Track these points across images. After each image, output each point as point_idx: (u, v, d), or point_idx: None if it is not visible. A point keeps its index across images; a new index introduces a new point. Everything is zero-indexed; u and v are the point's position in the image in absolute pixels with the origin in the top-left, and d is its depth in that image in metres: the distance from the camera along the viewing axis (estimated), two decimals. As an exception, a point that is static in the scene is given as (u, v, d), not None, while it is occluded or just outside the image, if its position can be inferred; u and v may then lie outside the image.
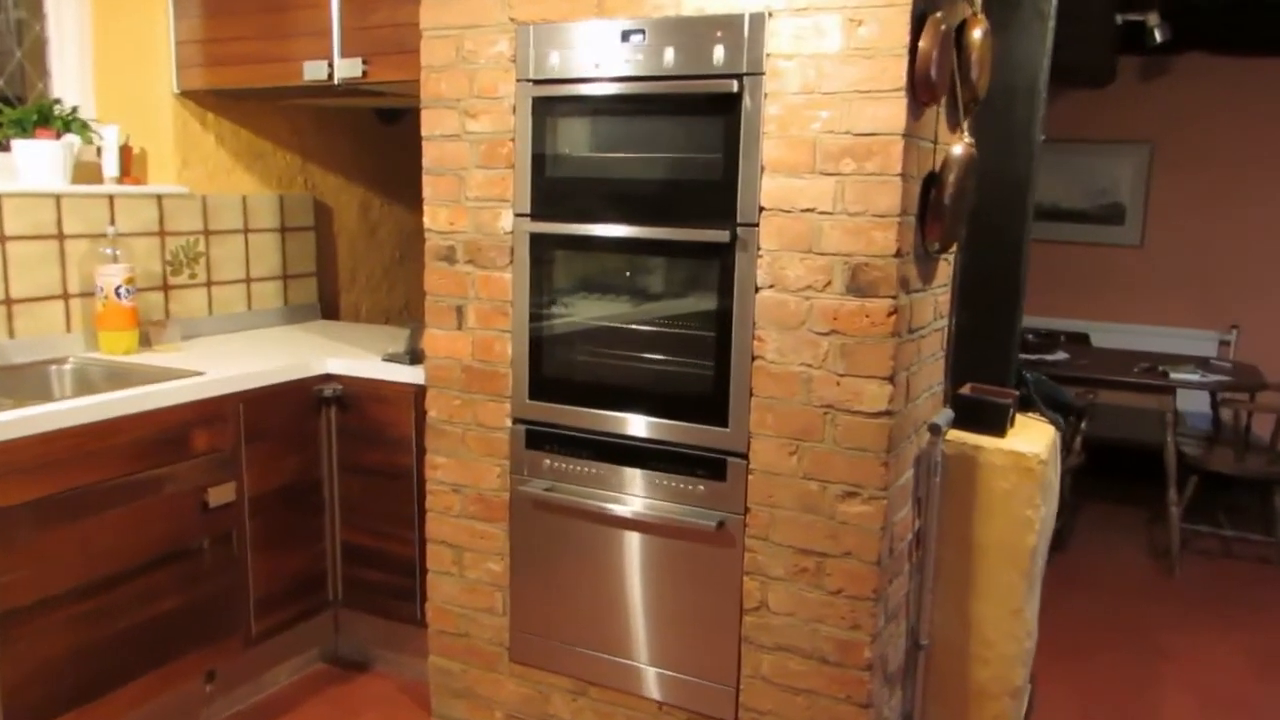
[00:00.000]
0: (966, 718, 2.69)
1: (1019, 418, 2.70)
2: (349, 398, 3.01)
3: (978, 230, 2.60)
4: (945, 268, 2.59)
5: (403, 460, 2.95)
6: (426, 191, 2.73)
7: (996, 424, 2.58)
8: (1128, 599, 4.01)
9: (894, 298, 2.20)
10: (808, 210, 2.25)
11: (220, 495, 2.72)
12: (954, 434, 2.58)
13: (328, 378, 3.03)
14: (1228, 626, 3.79)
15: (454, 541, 2.83)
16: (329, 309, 3.93)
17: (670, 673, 2.57)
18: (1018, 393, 2.63)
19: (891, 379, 2.23)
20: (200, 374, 2.73)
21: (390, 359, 2.99)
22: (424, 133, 2.70)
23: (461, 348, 2.73)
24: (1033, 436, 2.61)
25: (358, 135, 4.01)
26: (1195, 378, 4.22)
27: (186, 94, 3.38)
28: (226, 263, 3.49)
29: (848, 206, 2.21)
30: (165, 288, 3.31)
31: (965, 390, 2.65)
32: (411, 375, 2.93)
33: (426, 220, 2.74)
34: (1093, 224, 5.70)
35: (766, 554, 2.40)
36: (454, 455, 2.79)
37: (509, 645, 2.80)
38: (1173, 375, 4.23)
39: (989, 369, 2.68)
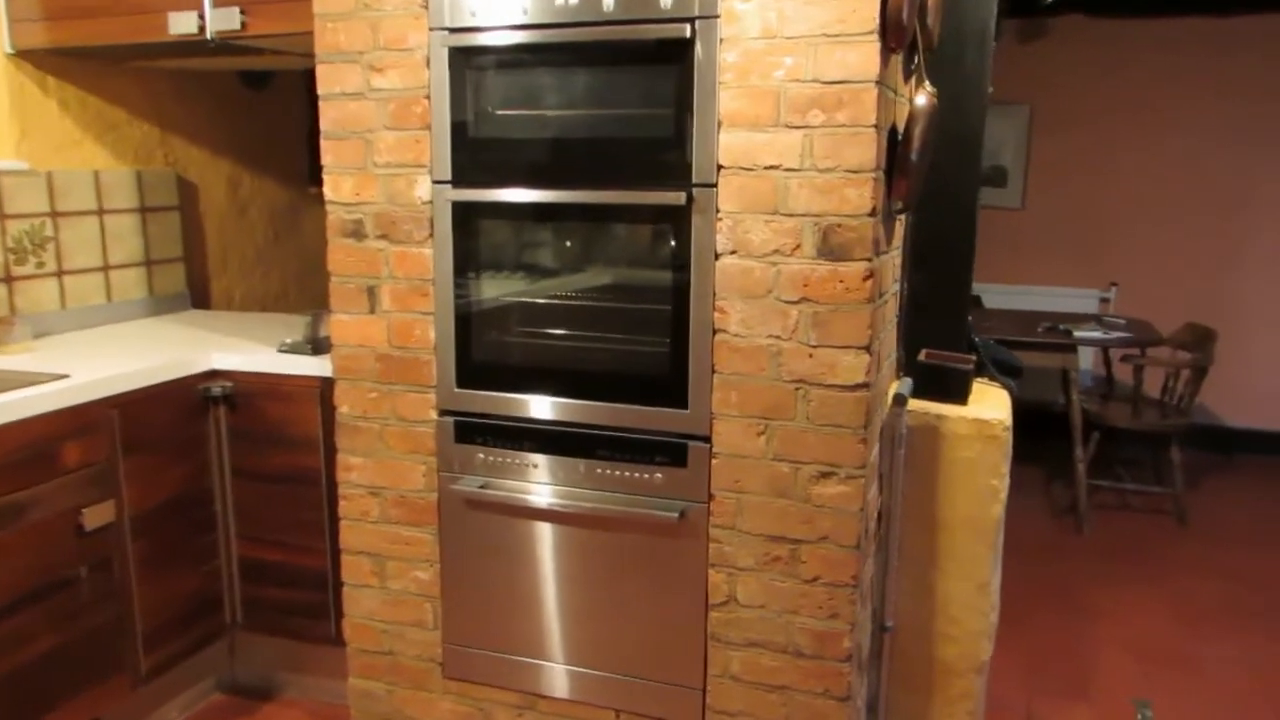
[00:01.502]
0: (932, 699, 2.58)
1: (974, 384, 2.59)
2: (240, 396, 2.66)
3: (928, 189, 2.46)
4: (898, 228, 2.45)
5: (308, 463, 2.63)
6: (326, 158, 2.41)
7: (958, 391, 2.46)
8: (1044, 559, 4.03)
9: (869, 260, 2.04)
10: (772, 167, 2.06)
11: (97, 516, 2.34)
12: (914, 404, 2.45)
13: (213, 374, 2.67)
14: (1144, 581, 3.85)
15: (374, 550, 2.53)
16: (199, 297, 3.51)
17: (628, 678, 2.36)
18: (973, 358, 2.53)
19: (869, 348, 2.07)
20: (64, 377, 2.34)
21: (288, 350, 2.65)
22: (321, 91, 2.37)
23: (375, 334, 2.43)
24: (993, 403, 2.51)
25: (222, 102, 3.59)
26: (1099, 335, 4.28)
27: (22, 54, 2.91)
28: (80, 249, 3.04)
29: (817, 162, 2.03)
30: (9, 279, 2.85)
31: (922, 357, 2.53)
32: (315, 367, 2.60)
33: (328, 191, 2.42)
34: (975, 188, 5.74)
35: (734, 544, 2.21)
36: (371, 455, 2.48)
37: (442, 661, 2.52)
38: (1077, 334, 4.27)
39: (941, 334, 2.56)
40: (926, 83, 2.24)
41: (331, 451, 2.57)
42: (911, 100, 2.20)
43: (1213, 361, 4.33)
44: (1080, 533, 4.28)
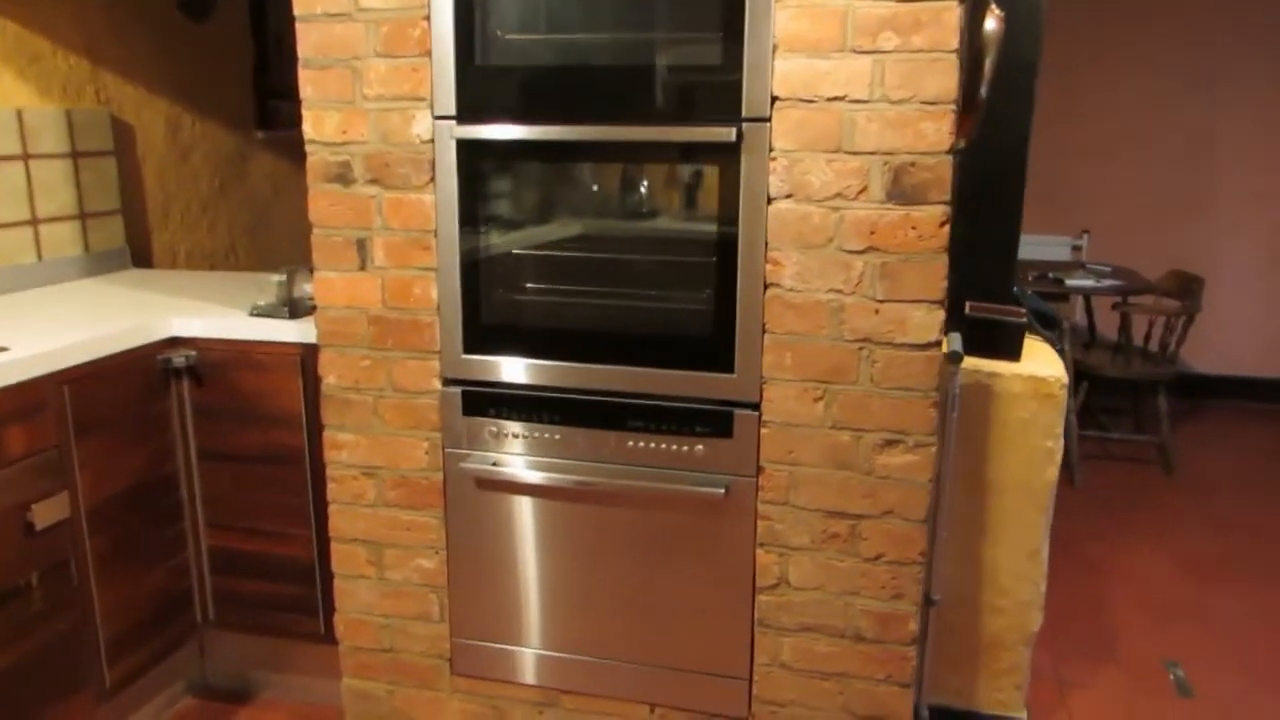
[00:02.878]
0: (978, 673, 2.43)
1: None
2: (206, 367, 2.33)
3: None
4: (947, 170, 2.23)
5: (289, 441, 2.33)
6: (306, 90, 2.08)
7: (1010, 347, 2.27)
8: (1039, 513, 3.92)
9: (946, 203, 1.82)
10: (836, 99, 1.81)
11: (49, 512, 2.02)
12: (965, 361, 2.25)
13: (174, 342, 2.33)
14: (1143, 533, 3.77)
15: (370, 537, 2.25)
16: (140, 254, 3.14)
17: (665, 669, 2.14)
18: (1023, 310, 2.34)
19: (943, 302, 1.85)
20: (1, 350, 2.00)
21: (262, 313, 2.33)
22: (299, 10, 2.04)
23: (368, 293, 2.13)
24: (1045, 359, 2.33)
25: (159, 33, 3.18)
26: (1091, 283, 4.15)
27: (-77, -29, 2.50)
28: (3, 201, 2.65)
29: (889, 92, 1.79)
30: (-81, 236, 2.47)
31: (967, 310, 2.32)
32: (294, 332, 2.29)
33: (308, 129, 2.10)
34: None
35: (786, 521, 2.00)
36: (364, 431, 2.20)
37: (450, 656, 2.27)
38: (1069, 282, 4.14)
39: (987, 285, 2.36)
40: (994, 4, 2.01)
41: (316, 428, 2.27)
42: (984, 23, 1.97)
43: (1200, 309, 4.25)
44: (1073, 485, 4.19)
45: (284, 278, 2.35)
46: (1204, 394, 5.40)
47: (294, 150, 4.03)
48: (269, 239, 3.77)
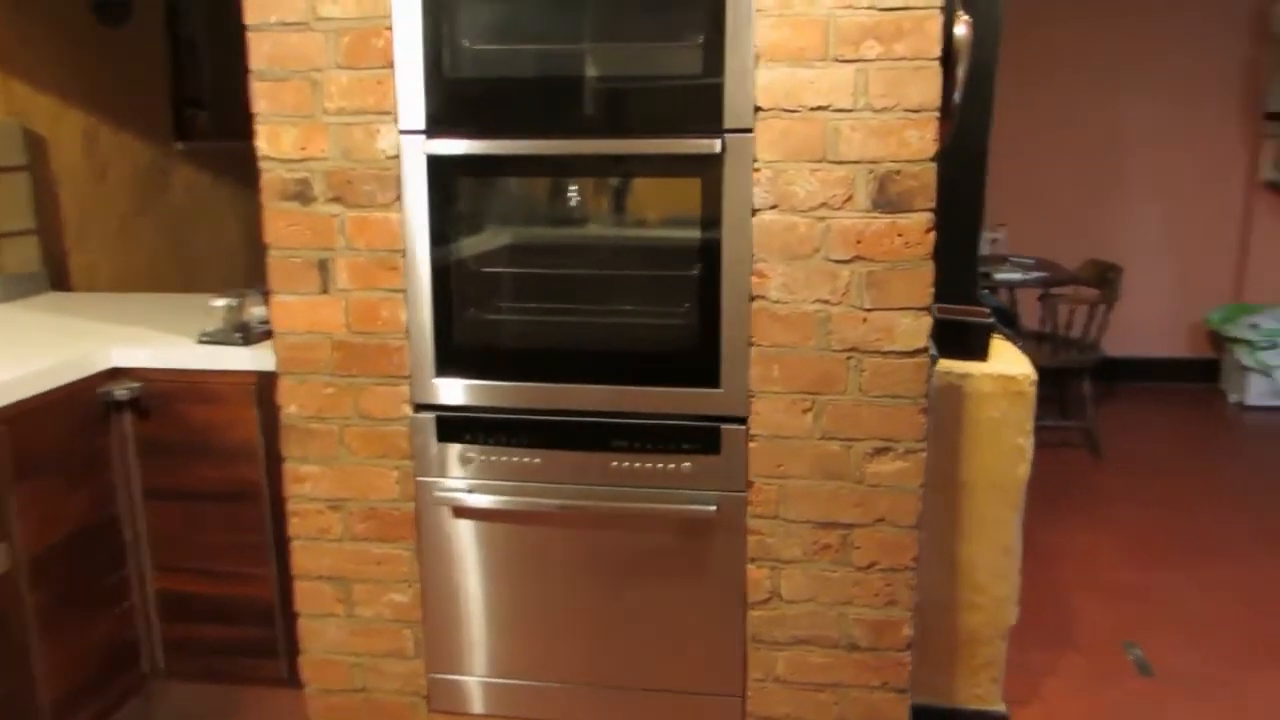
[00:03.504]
0: (955, 670, 2.45)
1: (984, 338, 2.43)
2: (151, 399, 2.19)
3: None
4: (912, 174, 2.24)
5: (245, 475, 2.20)
6: (260, 104, 1.97)
7: (979, 347, 2.29)
8: (979, 502, 4.00)
9: (931, 210, 1.81)
10: (819, 108, 1.79)
11: (-10, 566, 1.87)
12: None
13: (115, 374, 2.18)
14: (1084, 516, 3.88)
15: (337, 573, 2.15)
16: (57, 277, 2.94)
17: (656, 692, 2.10)
18: (988, 311, 2.36)
19: (929, 308, 1.85)
20: (-72, 393, 1.84)
21: (212, 340, 2.20)
22: (250, 20, 1.93)
23: (330, 317, 2.03)
24: (1011, 357, 2.36)
25: (73, 41, 2.99)
26: (1019, 276, 4.26)
27: None
28: (-95, 226, 2.45)
29: (872, 101, 1.77)
30: None
31: (936, 313, 2.33)
32: (248, 360, 2.16)
33: (263, 145, 1.98)
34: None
35: (777, 534, 1.97)
36: (329, 462, 2.09)
37: (427, 694, 2.18)
38: (997, 275, 4.23)
39: (952, 287, 2.37)
40: (962, 10, 2.01)
41: (276, 460, 2.15)
42: (954, 29, 1.97)
43: (1119, 296, 4.40)
44: (1007, 473, 4.28)
45: (232, 302, 2.22)
46: (1118, 377, 5.59)
47: (215, 163, 3.86)
48: (192, 258, 3.58)
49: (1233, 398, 5.23)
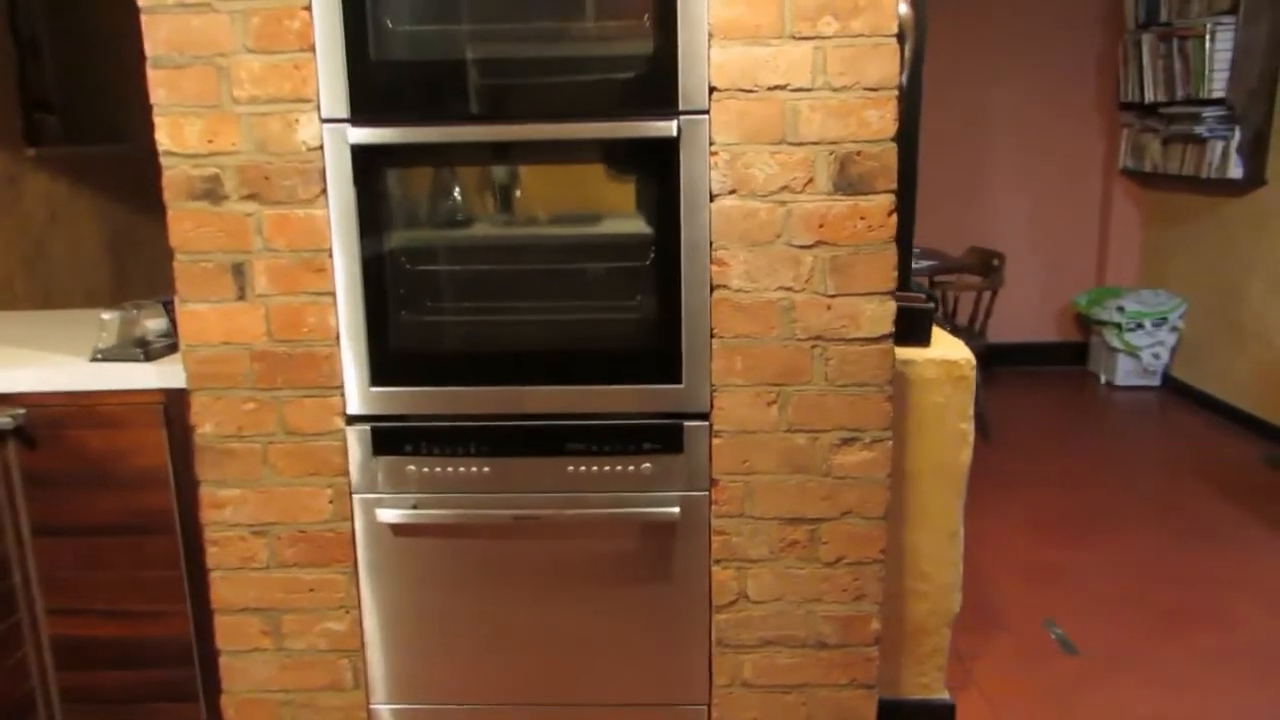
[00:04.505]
0: (901, 660, 2.43)
1: (917, 323, 2.43)
2: (39, 427, 1.95)
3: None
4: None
5: (153, 504, 1.98)
6: (158, 93, 1.77)
7: (922, 334, 2.28)
8: (887, 490, 4.04)
9: (893, 192, 1.78)
10: (777, 88, 1.73)
11: None
12: (879, 351, 2.24)
13: (-7, 401, 1.94)
14: (980, 498, 3.94)
15: (264, 604, 1.96)
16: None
17: (618, 706, 2.00)
18: (925, 297, 2.36)
19: (893, 293, 1.82)
20: None
21: (107, 357, 1.97)
22: (143, 2, 1.73)
23: (249, 326, 1.84)
24: (949, 343, 2.35)
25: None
26: (915, 265, 4.33)
27: None
28: None
29: (831, 79, 1.72)
30: None
31: (874, 300, 2.31)
32: (152, 377, 1.94)
33: (164, 139, 1.78)
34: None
35: (743, 533, 1.90)
36: (251, 484, 1.91)
37: (369, 726, 2.02)
38: (892, 265, 4.29)
39: (887, 273, 2.36)
40: (903, -10, 1.99)
41: (188, 486, 1.95)
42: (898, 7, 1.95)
43: (1004, 283, 4.54)
44: (909, 460, 4.35)
45: (127, 314, 2.00)
46: (994, 361, 5.79)
47: (71, 169, 3.54)
48: (49, 271, 3.26)
49: (1103, 378, 5.48)
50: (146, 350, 1.97)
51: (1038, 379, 5.67)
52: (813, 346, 1.82)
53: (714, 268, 1.79)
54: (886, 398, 1.85)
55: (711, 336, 1.82)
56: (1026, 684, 2.69)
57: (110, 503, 1.98)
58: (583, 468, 1.88)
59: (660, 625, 1.95)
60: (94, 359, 1.97)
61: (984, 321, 4.52)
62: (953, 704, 2.49)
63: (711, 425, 1.86)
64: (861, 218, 1.77)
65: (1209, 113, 4.58)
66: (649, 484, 1.88)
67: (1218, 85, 4.48)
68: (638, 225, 1.81)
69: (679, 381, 1.84)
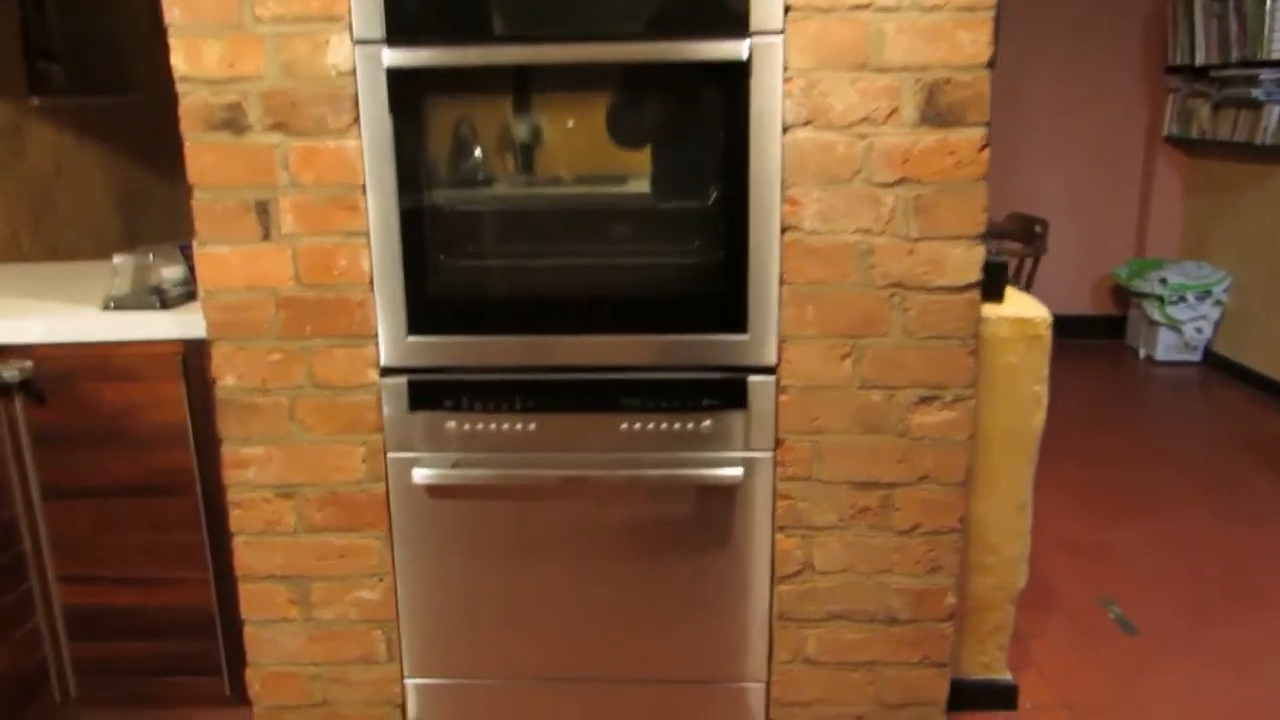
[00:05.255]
0: (963, 638, 2.28)
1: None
2: (48, 380, 1.80)
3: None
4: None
5: (171, 463, 1.84)
6: (172, 13, 1.61)
7: (996, 289, 2.11)
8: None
9: (986, 125, 1.62)
10: (859, 7, 1.56)
11: None
12: (948, 307, 2.08)
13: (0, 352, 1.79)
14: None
15: (291, 571, 1.82)
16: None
17: (670, 683, 1.86)
18: (997, 250, 2.19)
19: (982, 237, 1.66)
20: None
21: (120, 305, 1.82)
22: (164, -96, 1.57)
23: (275, 269, 1.69)
24: (1023, 301, 2.19)
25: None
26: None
27: None
28: None
29: (920, -2, 1.56)
30: None
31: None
32: (170, 326, 1.80)
33: (180, 64, 1.63)
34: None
35: (810, 498, 1.75)
36: (277, 441, 1.76)
37: (402, 702, 1.89)
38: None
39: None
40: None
41: (209, 444, 1.81)
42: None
43: (1047, 250, 4.37)
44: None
45: (142, 259, 1.85)
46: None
47: (78, 120, 3.39)
48: (56, 226, 3.12)
49: (1142, 353, 5.32)
50: (163, 298, 1.82)
51: (1075, 352, 5.49)
52: (891, 295, 1.67)
53: (785, 207, 1.63)
54: (970, 352, 1.70)
55: (781, 283, 1.66)
56: (1087, 665, 2.54)
57: (125, 462, 1.84)
58: (637, 425, 1.73)
59: (717, 597, 1.80)
60: (106, 308, 1.82)
61: (1027, 288, 4.35)
62: (1015, 685, 2.34)
63: (778, 380, 1.71)
64: (950, 153, 1.61)
65: (1266, 75, 4.38)
66: (709, 444, 1.73)
67: (1277, 46, 4.28)
68: (702, 160, 1.65)
69: (744, 332, 1.68)
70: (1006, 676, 2.34)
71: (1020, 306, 2.13)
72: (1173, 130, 5.19)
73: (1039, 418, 2.16)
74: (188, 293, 1.87)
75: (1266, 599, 2.86)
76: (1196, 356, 5.17)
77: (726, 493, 1.75)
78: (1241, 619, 2.75)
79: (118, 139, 3.52)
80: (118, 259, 1.83)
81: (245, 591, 1.83)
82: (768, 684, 1.85)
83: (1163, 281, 5.05)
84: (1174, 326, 5.08)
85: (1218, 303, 5.02)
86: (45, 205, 3.06)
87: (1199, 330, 5.09)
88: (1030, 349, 2.11)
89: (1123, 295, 5.46)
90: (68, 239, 3.18)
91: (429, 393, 1.73)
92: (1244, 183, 4.89)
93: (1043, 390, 2.14)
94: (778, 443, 1.73)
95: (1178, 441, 4.25)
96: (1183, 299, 5.02)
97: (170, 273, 1.89)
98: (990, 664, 2.33)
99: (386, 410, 1.74)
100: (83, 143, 3.32)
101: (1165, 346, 5.16)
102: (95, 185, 3.39)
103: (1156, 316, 5.11)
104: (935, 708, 1.85)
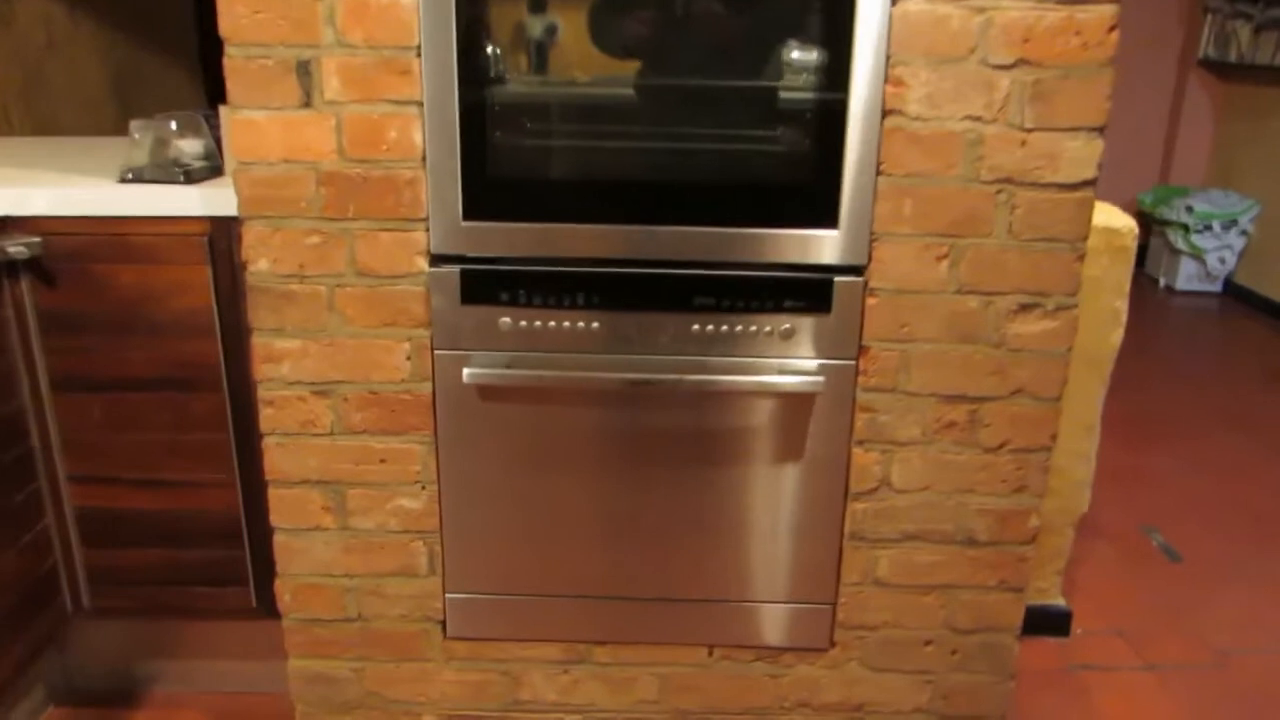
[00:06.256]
0: (1021, 563, 2.19)
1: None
2: (58, 259, 1.63)
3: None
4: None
5: (195, 355, 1.68)
6: None
7: (1081, 194, 1.97)
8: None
9: (1117, 2, 1.45)
10: None
11: None
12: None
13: (2, 224, 1.61)
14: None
15: (326, 476, 1.68)
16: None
17: (727, 603, 1.75)
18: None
19: (1102, 130, 1.51)
20: None
21: (140, 178, 1.65)
22: None
23: (316, 140, 1.52)
24: (1107, 209, 2.05)
25: None
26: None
27: None
28: None
29: None
30: None
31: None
32: (197, 202, 1.63)
33: (216, -104, 1.43)
34: None
35: (894, 411, 1.63)
36: (314, 334, 1.61)
37: (443, 618, 1.77)
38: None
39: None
40: None
41: (238, 334, 1.66)
42: None
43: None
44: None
45: (164, 125, 1.67)
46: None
47: (71, -10, 3.15)
48: (48, 103, 2.90)
49: (1162, 282, 5.21)
50: (187, 170, 1.65)
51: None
52: (998, 191, 1.52)
53: (889, 88, 1.47)
54: (1079, 257, 1.55)
55: (878, 174, 1.51)
56: (1136, 592, 2.47)
57: (144, 352, 1.68)
58: (710, 327, 1.58)
59: (785, 513, 1.68)
60: (123, 180, 1.64)
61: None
62: (1069, 611, 2.27)
63: (866, 282, 1.56)
64: (1076, 32, 1.45)
65: (1318, -8, 4.21)
66: (787, 349, 1.59)
67: (1331, -39, 4.10)
68: (799, 32, 1.48)
69: (834, 226, 1.53)
70: (1060, 602, 2.27)
71: (1106, 215, 1.99)
72: (1209, 52, 5.01)
73: (1117, 335, 2.04)
74: (212, 167, 1.70)
75: (1314, 528, 2.80)
76: (1217, 287, 5.07)
77: (803, 402, 1.62)
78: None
79: (113, 18, 3.28)
80: (136, 126, 1.64)
81: (276, 497, 1.69)
82: (834, 606, 1.74)
83: (1189, 209, 4.92)
84: (1197, 255, 4.97)
85: (1243, 232, 4.90)
86: (36, 79, 2.83)
87: (1222, 261, 4.98)
88: (1114, 261, 1.98)
89: (1145, 222, 5.33)
90: (60, 119, 2.97)
91: (483, 284, 1.57)
92: (1276, 109, 4.73)
93: (1123, 306, 2.02)
94: (861, 350, 1.60)
95: (1203, 371, 4.17)
96: (1208, 227, 4.90)
97: (190, 147, 1.70)
98: (1046, 589, 2.26)
99: (435, 303, 1.58)
100: (76, 19, 3.08)
101: (1186, 276, 5.05)
102: (90, 65, 3.16)
103: (1180, 245, 4.99)
104: (1008, 633, 1.76)
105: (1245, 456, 3.29)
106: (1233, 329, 4.66)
